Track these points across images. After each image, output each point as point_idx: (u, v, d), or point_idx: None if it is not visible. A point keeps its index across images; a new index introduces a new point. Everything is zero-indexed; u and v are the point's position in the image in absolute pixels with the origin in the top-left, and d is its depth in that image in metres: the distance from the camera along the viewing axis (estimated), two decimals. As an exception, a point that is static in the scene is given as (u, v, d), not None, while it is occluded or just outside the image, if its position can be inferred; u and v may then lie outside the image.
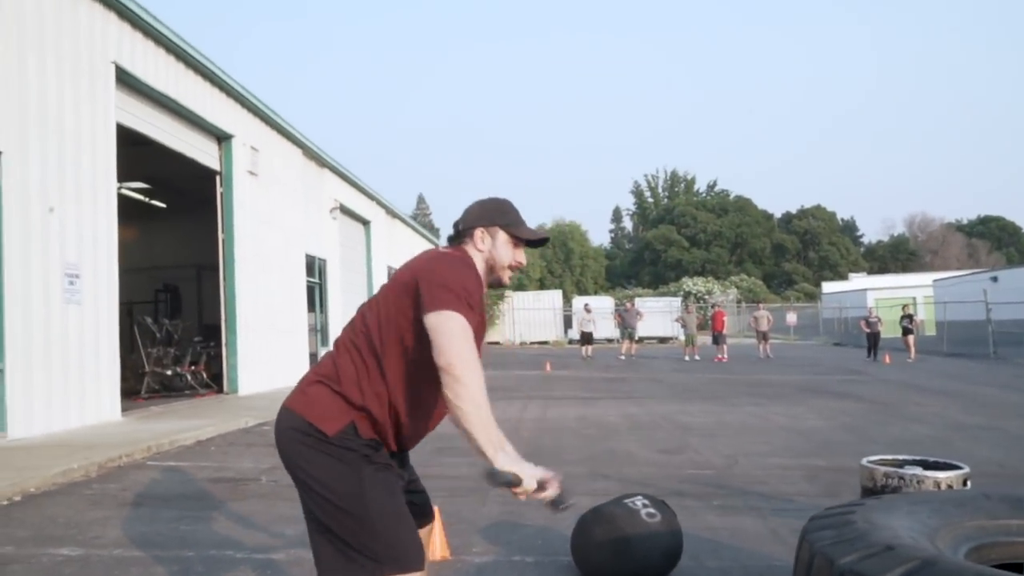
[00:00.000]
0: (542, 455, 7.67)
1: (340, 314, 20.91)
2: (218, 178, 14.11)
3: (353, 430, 2.14)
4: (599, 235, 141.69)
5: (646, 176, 73.38)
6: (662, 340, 36.21)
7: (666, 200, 70.13)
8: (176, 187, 17.76)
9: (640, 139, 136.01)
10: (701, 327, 29.84)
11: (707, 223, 62.29)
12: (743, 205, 65.30)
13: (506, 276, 2.40)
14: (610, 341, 25.49)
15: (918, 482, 3.25)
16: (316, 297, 19.41)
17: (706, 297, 48.07)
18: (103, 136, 10.04)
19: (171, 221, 20.54)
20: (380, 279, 26.05)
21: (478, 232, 2.36)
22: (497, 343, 38.42)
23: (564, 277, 65.84)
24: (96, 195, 9.89)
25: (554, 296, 41.59)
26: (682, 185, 71.11)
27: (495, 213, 2.38)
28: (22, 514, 5.22)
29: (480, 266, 2.34)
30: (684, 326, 24.55)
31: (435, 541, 4.17)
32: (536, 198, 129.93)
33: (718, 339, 23.45)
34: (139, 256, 21.83)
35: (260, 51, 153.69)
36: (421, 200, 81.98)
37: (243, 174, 14.45)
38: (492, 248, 2.36)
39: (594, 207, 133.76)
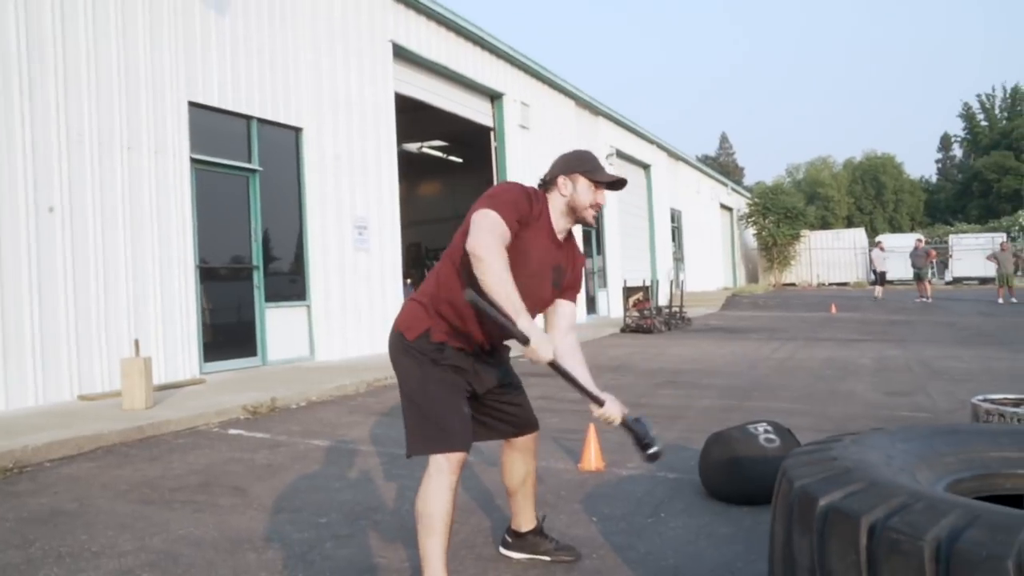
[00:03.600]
0: (758, 390, 7.89)
1: (619, 257, 21.67)
2: (492, 134, 15.46)
3: (426, 336, 2.71)
4: (923, 166, 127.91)
5: (979, 96, 64.36)
6: (982, 281, 32.45)
7: (1004, 122, 61.15)
8: (468, 142, 19.40)
9: (972, 55, 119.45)
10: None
11: (1056, 146, 53.55)
12: (1109, 119, 54.94)
13: (589, 215, 2.82)
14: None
15: (1018, 420, 3.23)
16: (593, 240, 20.30)
17: (1049, 232, 41.82)
18: (384, 106, 11.66)
19: (468, 174, 22.51)
20: (663, 222, 26.40)
21: (561, 179, 2.80)
22: (792, 284, 36.95)
23: (875, 214, 60.80)
24: (380, 157, 11.54)
25: (856, 234, 38.83)
26: (1026, 103, 61.53)
27: (575, 162, 2.82)
28: (301, 415, 6.72)
29: (561, 209, 2.80)
30: (997, 264, 21.94)
31: (590, 454, 4.79)
32: (847, 132, 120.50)
33: None
34: (443, 207, 24.35)
35: (542, 8, 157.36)
36: (724, 139, 79.96)
37: (514, 128, 15.66)
38: (573, 192, 2.78)
39: (916, 137, 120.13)
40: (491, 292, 2.41)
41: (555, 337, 2.81)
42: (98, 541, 3.53)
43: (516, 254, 2.57)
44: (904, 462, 2.28)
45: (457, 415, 2.68)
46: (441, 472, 2.60)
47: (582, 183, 2.78)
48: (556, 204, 2.81)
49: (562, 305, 2.93)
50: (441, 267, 2.79)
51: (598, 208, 2.83)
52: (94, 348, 7.38)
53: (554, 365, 2.51)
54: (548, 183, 2.84)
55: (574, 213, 2.82)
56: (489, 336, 2.76)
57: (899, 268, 28.82)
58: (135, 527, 3.71)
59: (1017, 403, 3.42)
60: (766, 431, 4.11)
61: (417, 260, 23.31)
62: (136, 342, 7.02)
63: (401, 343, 2.76)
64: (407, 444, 2.74)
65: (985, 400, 3.48)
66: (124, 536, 3.59)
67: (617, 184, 2.85)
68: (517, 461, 3.07)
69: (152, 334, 7.86)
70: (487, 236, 2.47)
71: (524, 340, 2.41)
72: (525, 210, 2.66)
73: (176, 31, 8.41)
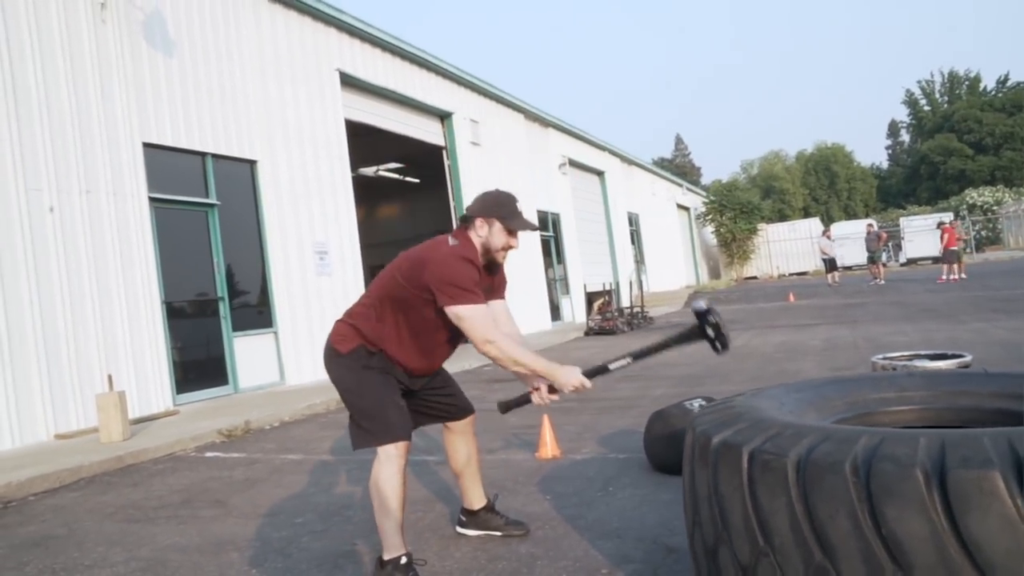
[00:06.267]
0: (712, 376, 8.28)
1: (579, 263, 22.08)
2: (444, 152, 15.83)
3: (362, 350, 3.03)
4: (874, 154, 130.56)
5: (920, 82, 66.29)
6: (935, 260, 33.38)
7: (945, 106, 62.99)
8: (422, 163, 19.66)
9: (910, 42, 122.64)
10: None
11: (995, 125, 55.03)
12: (1043, 96, 56.84)
13: (500, 257, 3.07)
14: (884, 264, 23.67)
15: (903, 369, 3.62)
16: (552, 249, 20.69)
17: (995, 208, 43.19)
18: (335, 133, 11.97)
19: (426, 193, 22.81)
20: (620, 226, 26.90)
21: (479, 221, 3.03)
22: (754, 278, 37.72)
23: (830, 203, 62.17)
24: (335, 184, 11.84)
25: (811, 224, 39.74)
26: (964, 86, 63.32)
27: (494, 206, 3.04)
28: (274, 434, 6.99)
29: (478, 246, 3.04)
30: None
31: (546, 442, 5.13)
32: (797, 125, 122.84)
33: (948, 257, 21.45)
34: (404, 227, 24.60)
35: (488, 25, 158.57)
36: (679, 141, 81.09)
37: (466, 145, 16.04)
38: (488, 235, 3.03)
39: (865, 124, 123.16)
40: (518, 371, 3.02)
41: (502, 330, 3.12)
42: (90, 556, 3.79)
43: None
44: (795, 407, 2.65)
45: (394, 408, 3.01)
46: (390, 459, 2.94)
47: (497, 227, 3.02)
48: (474, 241, 3.05)
49: (494, 305, 3.20)
50: (379, 305, 3.05)
51: (508, 251, 3.08)
52: (67, 387, 7.57)
53: (591, 374, 3.08)
54: (468, 220, 3.07)
55: (487, 253, 3.06)
56: (428, 365, 3.16)
57: (856, 253, 29.60)
58: (124, 542, 3.98)
59: (911, 358, 3.82)
60: (701, 405, 4.48)
61: (382, 282, 23.58)
62: (109, 377, 7.23)
63: (334, 356, 3.08)
64: (351, 440, 3.07)
65: (884, 358, 3.87)
66: (114, 550, 3.85)
67: (530, 229, 3.11)
68: (458, 443, 3.43)
69: (124, 370, 8.07)
70: (489, 330, 2.91)
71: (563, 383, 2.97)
72: (479, 277, 2.98)
73: (126, 75, 8.66)
